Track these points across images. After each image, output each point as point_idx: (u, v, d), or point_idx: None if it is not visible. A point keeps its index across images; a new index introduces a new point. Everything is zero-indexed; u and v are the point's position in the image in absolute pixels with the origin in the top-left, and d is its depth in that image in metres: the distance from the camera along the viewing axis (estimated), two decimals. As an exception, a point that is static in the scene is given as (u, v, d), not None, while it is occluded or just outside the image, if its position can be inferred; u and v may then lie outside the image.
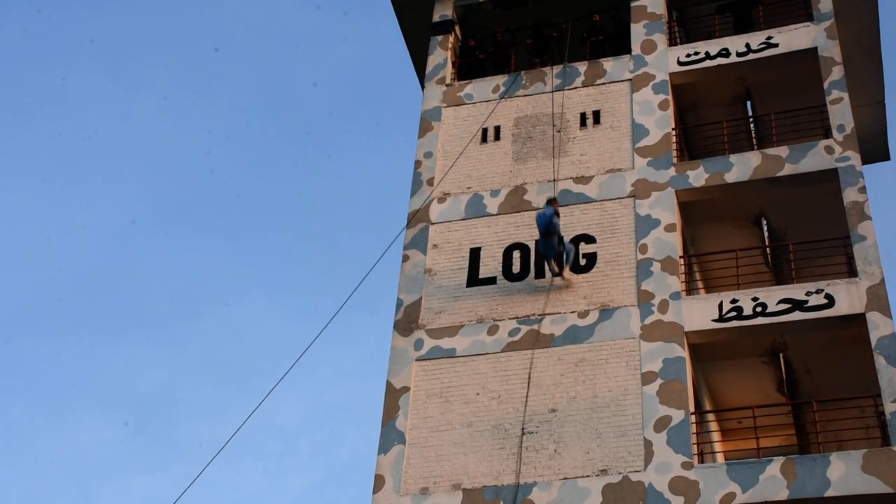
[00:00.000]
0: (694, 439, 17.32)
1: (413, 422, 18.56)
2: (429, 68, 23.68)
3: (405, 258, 20.77)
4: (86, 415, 52.40)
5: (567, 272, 19.11)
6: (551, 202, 18.98)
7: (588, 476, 17.21)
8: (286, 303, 54.24)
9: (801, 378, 19.41)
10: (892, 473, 16.07)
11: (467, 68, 23.97)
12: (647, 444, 17.27)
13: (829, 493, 16.17)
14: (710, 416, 19.67)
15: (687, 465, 16.94)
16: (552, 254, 18.86)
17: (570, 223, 20.28)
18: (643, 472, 17.02)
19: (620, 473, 17.11)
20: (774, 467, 16.62)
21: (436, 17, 24.50)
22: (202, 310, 54.30)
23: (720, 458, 19.83)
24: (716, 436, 20.09)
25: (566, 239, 19.16)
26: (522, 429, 17.88)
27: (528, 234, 20.19)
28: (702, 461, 17.47)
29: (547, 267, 19.28)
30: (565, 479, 17.27)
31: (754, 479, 16.56)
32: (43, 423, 50.65)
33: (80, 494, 49.60)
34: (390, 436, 18.43)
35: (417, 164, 22.18)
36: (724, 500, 16.51)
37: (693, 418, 17.61)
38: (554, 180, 20.73)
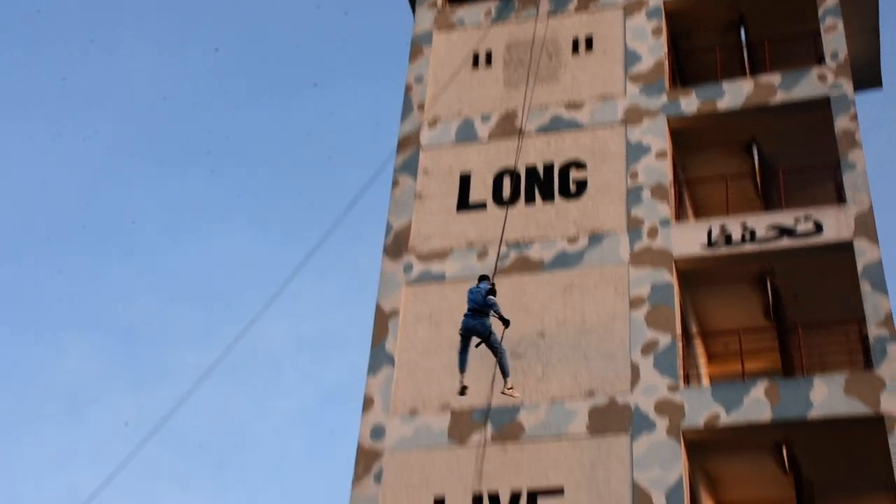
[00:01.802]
0: (680, 363, 17.53)
1: (402, 344, 18.74)
2: (420, -8, 23.46)
3: (395, 183, 20.78)
4: (72, 338, 52.72)
5: (509, 382, 14.23)
6: (484, 279, 14.33)
7: (575, 398, 17.43)
8: (272, 231, 54.35)
9: (788, 303, 19.58)
10: (874, 396, 16.31)
11: (459, -7, 23.75)
12: (634, 368, 17.48)
13: (812, 414, 16.43)
14: (697, 340, 19.88)
15: (673, 388, 17.16)
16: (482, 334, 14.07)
17: (560, 149, 20.29)
18: (629, 395, 17.24)
19: (607, 395, 17.33)
20: (759, 390, 16.85)
21: (428, -59, 24.21)
22: (188, 237, 54.37)
23: (706, 381, 20.08)
24: (702, 359, 20.32)
25: (504, 325, 13.77)
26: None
27: (519, 160, 20.17)
28: (687, 384, 17.70)
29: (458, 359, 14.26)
30: (553, 401, 17.49)
31: (738, 402, 16.80)
32: (29, 346, 50.98)
33: (67, 414, 50.10)
34: (379, 358, 18.62)
35: (408, 88, 22.08)
36: (708, 421, 16.77)
37: (680, 342, 17.80)
38: (523, 114, 20.43)
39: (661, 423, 16.86)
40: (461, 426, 17.49)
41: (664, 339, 17.66)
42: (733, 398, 16.87)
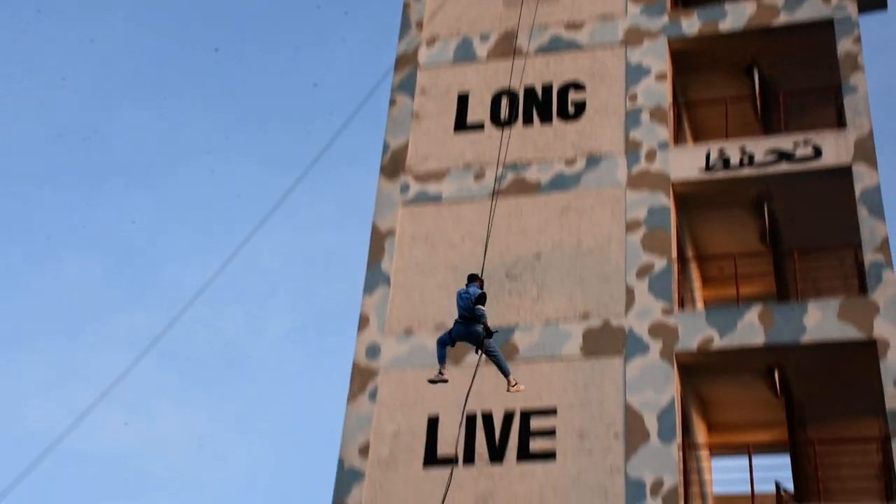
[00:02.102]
0: (675, 286, 17.56)
1: (398, 264, 18.74)
2: None
3: (392, 102, 20.59)
4: (69, 256, 52.71)
5: (512, 380, 14.05)
6: (474, 279, 13.76)
7: (569, 320, 17.50)
8: (268, 152, 53.99)
9: (784, 228, 19.56)
10: (867, 321, 16.39)
11: None
12: (629, 291, 17.51)
13: (805, 339, 16.51)
14: (692, 265, 19.90)
15: (667, 311, 17.22)
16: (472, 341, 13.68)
17: (559, 70, 20.07)
18: (624, 317, 17.30)
19: (601, 318, 17.39)
20: (753, 314, 16.91)
21: None
22: (184, 158, 54.05)
23: (700, 304, 20.16)
24: (697, 283, 20.37)
25: (487, 336, 13.59)
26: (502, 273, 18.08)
27: (517, 80, 19.95)
28: (682, 307, 17.76)
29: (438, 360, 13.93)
30: (547, 322, 17.56)
31: (732, 325, 16.87)
32: (27, 263, 51.00)
33: (66, 331, 50.36)
34: (375, 277, 18.64)
35: (406, 5, 21.76)
36: (701, 344, 16.86)
37: (675, 266, 17.82)
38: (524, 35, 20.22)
39: (655, 346, 16.95)
40: (456, 346, 17.54)
41: (660, 263, 17.66)
42: (727, 322, 16.94)
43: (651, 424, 16.27)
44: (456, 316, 13.48)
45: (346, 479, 16.78)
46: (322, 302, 52.12)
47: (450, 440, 16.81)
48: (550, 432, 16.61)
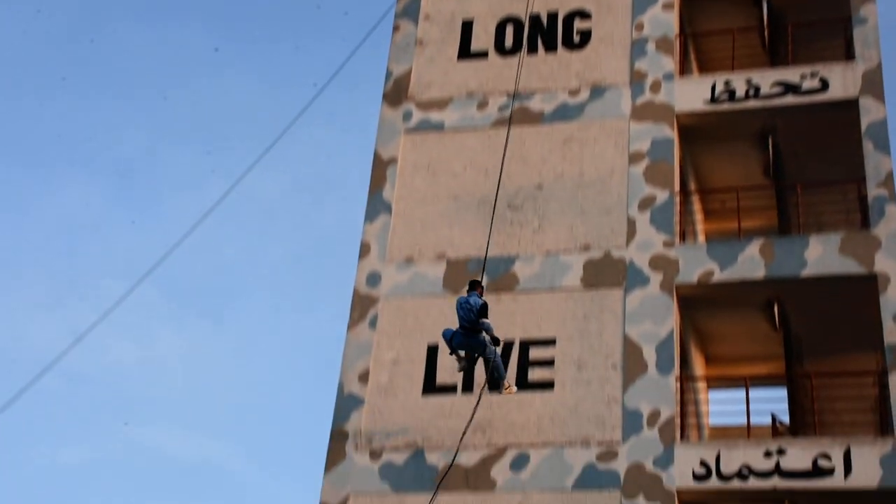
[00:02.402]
0: (677, 219, 17.52)
1: (400, 193, 18.68)
2: None
3: (396, 28, 20.35)
4: (68, 178, 52.53)
5: (506, 382, 14.58)
6: (475, 286, 13.98)
7: (570, 251, 17.48)
8: (270, 77, 53.53)
9: (788, 161, 19.44)
10: (869, 256, 16.38)
11: None
12: (631, 223, 17.47)
13: (806, 273, 16.52)
14: (695, 197, 19.83)
15: (668, 244, 17.20)
16: (477, 350, 13.93)
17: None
18: (625, 249, 17.29)
19: (602, 250, 17.38)
20: (754, 247, 16.90)
21: None
22: (183, 79, 53.52)
23: (701, 237, 20.13)
24: (699, 216, 20.32)
25: (493, 344, 13.88)
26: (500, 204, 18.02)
27: (522, 7, 19.70)
28: (683, 240, 17.73)
29: (455, 358, 14.29)
30: (548, 253, 17.55)
31: (733, 259, 16.86)
32: (26, 182, 50.83)
33: (63, 253, 50.37)
34: (377, 205, 18.59)
35: (411, -70, 21.37)
36: (702, 277, 16.87)
37: (677, 198, 17.75)
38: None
39: (655, 279, 16.95)
40: (456, 275, 17.60)
41: (662, 195, 17.59)
42: (728, 255, 16.93)
43: (649, 356, 16.34)
44: (457, 324, 13.66)
45: (346, 405, 16.91)
46: (322, 230, 52.11)
47: (449, 369, 16.91)
48: (549, 362, 16.70)
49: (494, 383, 14.24)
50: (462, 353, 13.82)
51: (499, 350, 14.12)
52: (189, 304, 50.69)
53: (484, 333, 13.54)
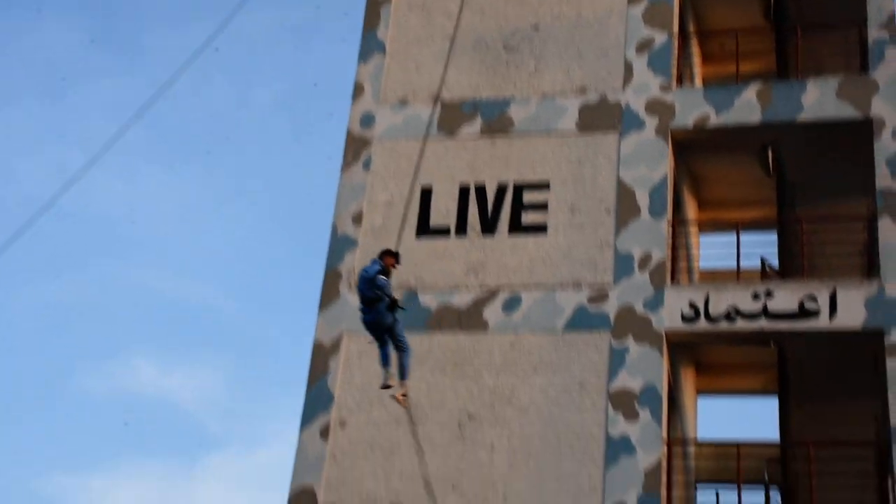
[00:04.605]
0: (674, 62, 17.31)
1: (393, 33, 18.38)
2: None
3: None
4: (52, 17, 51.39)
5: (405, 388, 13.50)
6: (384, 256, 12.97)
7: (566, 94, 17.34)
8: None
9: (789, 4, 19.10)
10: (866, 100, 16.27)
11: None
12: (628, 65, 17.26)
13: (802, 117, 16.45)
14: (693, 40, 19.53)
15: (665, 88, 17.05)
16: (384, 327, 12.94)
17: None
18: (621, 93, 17.14)
19: (598, 93, 17.23)
20: (751, 92, 16.76)
21: None
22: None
23: (698, 81, 19.94)
24: (696, 60, 20.07)
25: (391, 309, 12.85)
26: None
27: None
28: (680, 84, 17.56)
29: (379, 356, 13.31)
30: (543, 96, 17.40)
31: (729, 103, 16.75)
32: (6, 22, 49.68)
33: (49, 93, 49.64)
34: (371, 45, 18.32)
35: None
36: (697, 121, 16.80)
37: (676, 41, 17.49)
38: None
39: (651, 123, 16.87)
40: (451, 117, 17.49)
41: (660, 38, 17.34)
42: (724, 99, 16.80)
43: (642, 200, 16.40)
44: None
45: (340, 246, 17.04)
46: (312, 73, 51.27)
47: (443, 211, 17.00)
48: (543, 206, 16.76)
49: (402, 372, 12.96)
50: (372, 337, 12.65)
51: (408, 345, 12.79)
52: (177, 147, 50.40)
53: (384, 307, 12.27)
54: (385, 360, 12.89)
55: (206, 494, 46.94)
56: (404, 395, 13.25)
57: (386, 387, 13.03)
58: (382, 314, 12.47)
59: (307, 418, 15.89)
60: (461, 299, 16.29)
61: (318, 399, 15.98)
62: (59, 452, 45.88)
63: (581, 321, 15.81)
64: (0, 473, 43.35)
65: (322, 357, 16.19)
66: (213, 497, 46.43)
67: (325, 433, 15.68)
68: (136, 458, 46.80)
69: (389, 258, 12.65)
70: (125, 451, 47.27)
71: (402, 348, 12.82)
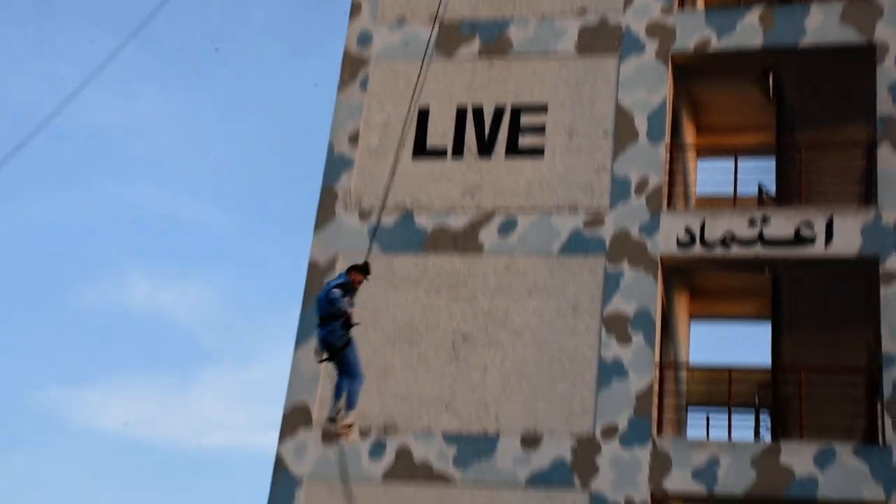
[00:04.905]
0: (677, -16, 17.07)
1: (392, -50, 18.09)
2: None
3: None
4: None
5: (350, 421, 12.13)
6: (351, 271, 11.97)
7: (566, 16, 17.12)
8: None
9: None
10: (870, 24, 16.10)
11: None
12: (629, -13, 17.02)
13: (804, 42, 16.28)
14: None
15: (666, 10, 16.86)
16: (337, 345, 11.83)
17: None
18: (622, 15, 16.95)
19: (598, 15, 17.02)
20: (753, 15, 16.57)
21: None
22: None
23: (700, 4, 19.66)
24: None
25: (344, 327, 11.83)
26: None
27: None
28: (682, 7, 17.34)
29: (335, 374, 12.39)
30: (543, 17, 17.20)
31: (731, 26, 16.57)
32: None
33: (41, 3, 48.94)
34: (368, -37, 18.05)
35: None
36: (698, 45, 16.63)
37: (678, -37, 17.24)
38: None
39: (651, 46, 16.70)
40: (449, 38, 17.28)
41: (663, -41, 17.07)
42: (726, 23, 16.61)
43: (641, 124, 16.31)
44: None
45: (336, 166, 16.97)
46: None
47: (440, 133, 16.89)
48: (540, 129, 16.67)
49: (342, 400, 11.77)
50: (324, 353, 11.75)
51: (359, 371, 11.78)
52: (173, 65, 49.85)
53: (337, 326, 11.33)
54: (339, 391, 11.81)
55: (201, 408, 47.56)
56: (349, 426, 11.90)
57: (331, 419, 11.90)
58: (335, 333, 11.42)
59: (302, 337, 15.97)
60: (457, 221, 16.27)
61: (312, 318, 16.00)
62: (54, 366, 46.49)
63: (576, 245, 15.83)
64: (0, 386, 44.11)
65: (317, 276, 16.21)
66: (209, 411, 47.08)
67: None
68: (131, 373, 47.40)
69: (356, 274, 11.69)
70: (120, 365, 47.90)
71: (352, 374, 11.68)
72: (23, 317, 46.61)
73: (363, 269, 11.81)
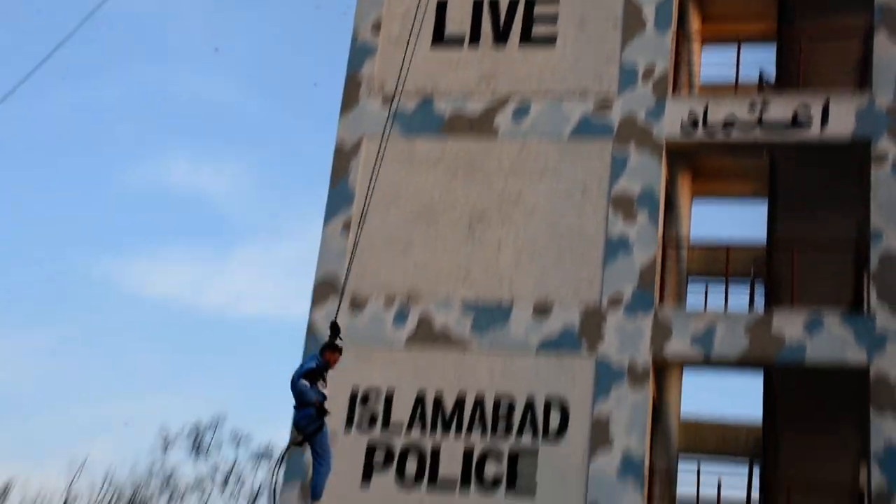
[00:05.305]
0: None
1: None
2: None
3: None
4: None
5: None
6: (325, 351, 10.68)
7: None
8: None
9: None
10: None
11: None
12: None
13: (806, -67, 16.77)
14: None
15: None
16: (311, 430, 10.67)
17: None
18: None
19: None
20: None
21: None
22: None
23: None
24: None
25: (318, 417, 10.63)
26: None
27: None
28: None
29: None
30: None
31: None
32: None
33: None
34: None
35: None
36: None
37: None
38: None
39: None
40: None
41: None
42: None
43: (649, 14, 17.00)
44: None
45: (360, 53, 17.76)
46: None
47: (457, 22, 17.63)
48: (553, 19, 17.39)
49: (314, 492, 10.79)
50: (299, 436, 10.75)
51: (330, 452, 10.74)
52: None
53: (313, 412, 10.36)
54: (315, 487, 10.90)
55: (237, 280, 49.77)
56: None
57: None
58: (308, 418, 10.50)
59: (330, 214, 17.03)
60: (473, 106, 17.14)
61: (339, 197, 17.08)
62: (104, 238, 48.66)
63: (586, 129, 16.67)
64: (57, 257, 46.06)
65: (343, 158, 17.19)
66: (245, 283, 49.24)
67: (346, 228, 16.86)
68: (172, 247, 49.48)
69: (330, 353, 10.62)
70: (162, 239, 50.19)
71: (319, 461, 10.75)
72: (75, 193, 48.62)
73: (335, 346, 10.66)
